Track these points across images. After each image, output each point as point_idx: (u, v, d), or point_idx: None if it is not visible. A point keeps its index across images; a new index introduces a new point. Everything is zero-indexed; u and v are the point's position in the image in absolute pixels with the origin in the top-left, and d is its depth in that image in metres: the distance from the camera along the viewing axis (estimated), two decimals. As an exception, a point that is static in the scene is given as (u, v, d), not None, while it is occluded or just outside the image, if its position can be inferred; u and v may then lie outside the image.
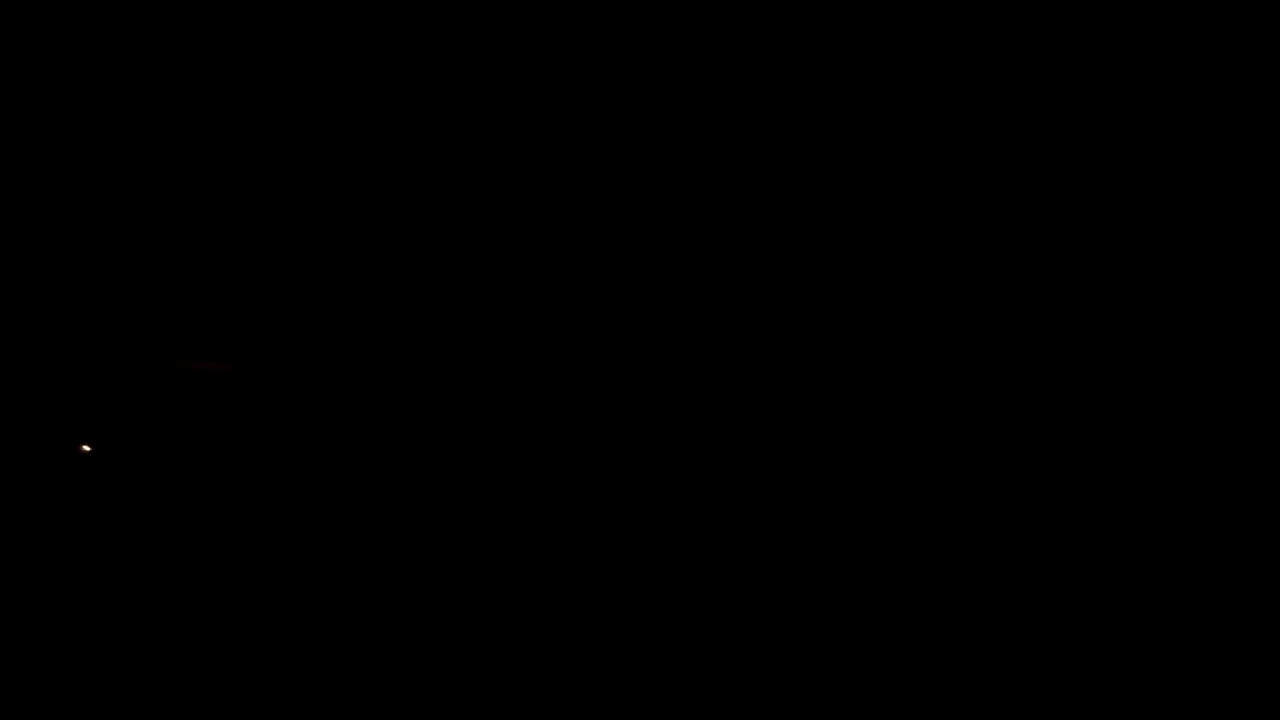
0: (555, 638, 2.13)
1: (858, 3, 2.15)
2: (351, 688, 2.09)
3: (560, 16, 2.20)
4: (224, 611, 2.13)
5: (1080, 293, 2.14)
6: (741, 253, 2.23)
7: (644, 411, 2.23)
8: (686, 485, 2.21)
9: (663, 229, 2.24)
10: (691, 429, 2.22)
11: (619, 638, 2.13)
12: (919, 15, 2.14)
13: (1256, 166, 2.08)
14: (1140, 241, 2.12)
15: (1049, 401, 2.14)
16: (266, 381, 2.23)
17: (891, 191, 2.19)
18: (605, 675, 2.11)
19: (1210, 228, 2.10)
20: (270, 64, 2.23)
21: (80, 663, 2.06)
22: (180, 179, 2.24)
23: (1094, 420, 2.12)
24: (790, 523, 2.18)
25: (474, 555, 2.20)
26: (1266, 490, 2.04)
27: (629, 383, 2.23)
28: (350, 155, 2.28)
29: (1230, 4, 2.05)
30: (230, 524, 2.17)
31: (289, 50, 2.22)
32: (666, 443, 2.22)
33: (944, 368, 2.17)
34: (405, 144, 2.27)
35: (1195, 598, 2.04)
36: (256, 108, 2.24)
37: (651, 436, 2.23)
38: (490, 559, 2.19)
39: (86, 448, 2.08)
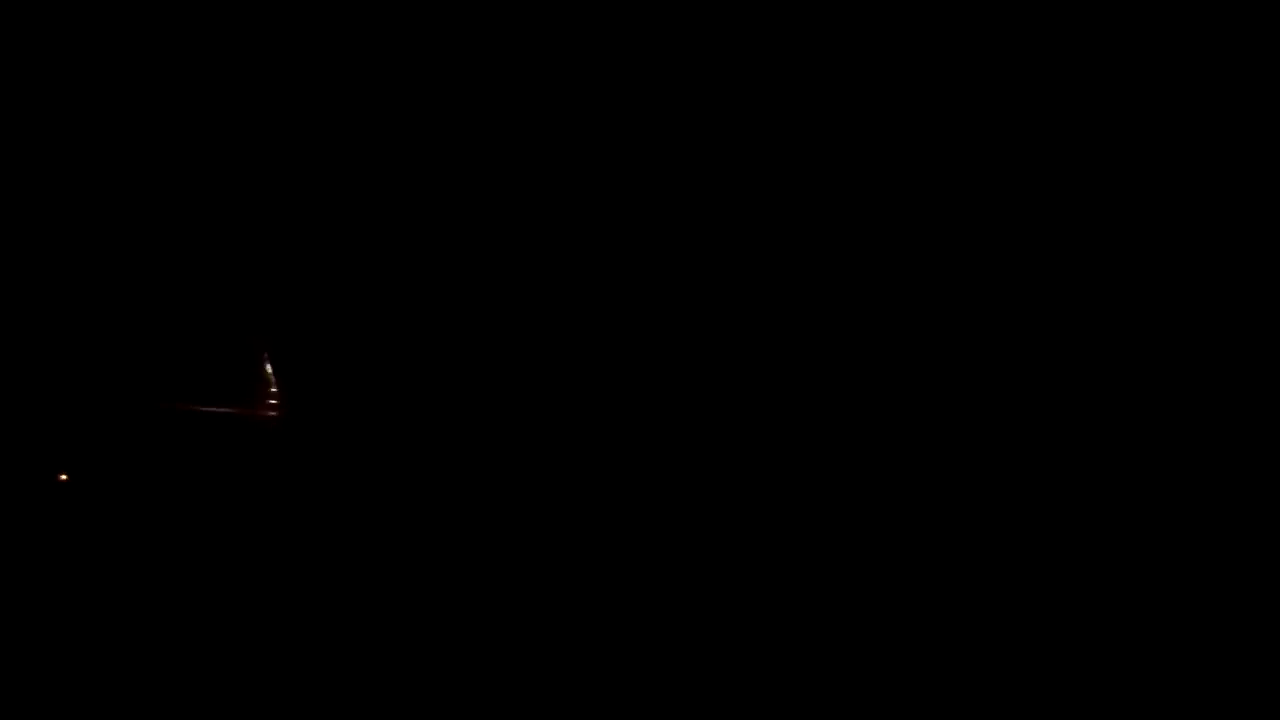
0: (557, 639, 2.15)
1: (858, 3, 2.15)
2: (351, 688, 2.11)
3: (560, 16, 2.20)
4: (216, 625, 2.14)
5: (1080, 292, 2.14)
6: (741, 253, 2.23)
7: (645, 411, 2.23)
8: (686, 485, 2.22)
9: (663, 229, 2.25)
10: (691, 428, 2.23)
11: (620, 637, 2.14)
12: (919, 15, 2.13)
13: (1256, 167, 2.07)
14: (1140, 241, 2.12)
15: (1049, 401, 2.14)
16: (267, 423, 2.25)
17: (891, 191, 2.19)
18: (605, 675, 2.12)
19: (1210, 228, 2.09)
20: (283, 101, 2.24)
21: (69, 689, 2.06)
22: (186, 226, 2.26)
23: (1094, 420, 2.12)
24: (790, 522, 2.19)
25: (473, 556, 2.21)
26: (1266, 490, 2.04)
27: (630, 383, 2.24)
28: (348, 165, 2.28)
29: (1230, 4, 2.04)
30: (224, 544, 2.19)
31: (299, 96, 2.23)
32: (667, 442, 2.23)
33: (944, 367, 2.17)
34: (413, 167, 2.27)
35: (1195, 597, 2.04)
36: (269, 140, 2.26)
37: (652, 436, 2.23)
38: (490, 559, 2.20)
39: (64, 476, 2.10)
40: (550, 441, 2.25)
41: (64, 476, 2.11)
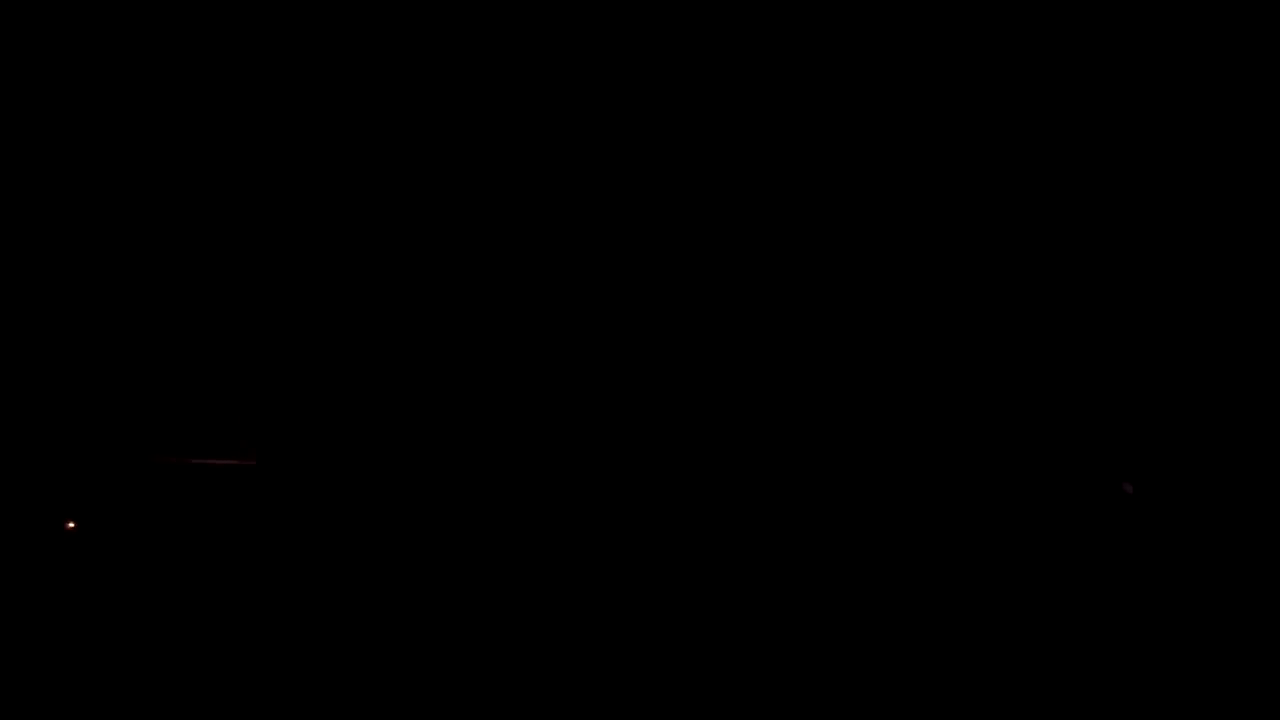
0: (559, 641, 2.14)
1: (858, 3, 2.13)
2: (351, 690, 2.10)
3: (560, 16, 2.16)
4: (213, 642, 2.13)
5: (1079, 292, 2.14)
6: (741, 252, 2.22)
7: (644, 412, 2.23)
8: (686, 484, 2.21)
9: (663, 229, 2.23)
10: (691, 428, 2.22)
11: (619, 638, 2.14)
12: (919, 15, 2.12)
13: (1256, 167, 2.07)
14: (1140, 241, 2.12)
15: (1048, 400, 2.14)
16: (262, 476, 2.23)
17: (891, 191, 2.18)
18: (605, 675, 2.12)
19: (1210, 228, 2.10)
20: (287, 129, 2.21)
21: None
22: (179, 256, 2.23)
23: (1093, 419, 2.13)
24: (789, 521, 2.19)
25: (474, 557, 2.20)
26: (1266, 490, 2.06)
27: (631, 385, 2.23)
28: (344, 168, 2.25)
29: (1230, 4, 2.03)
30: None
31: (305, 122, 2.19)
32: (666, 442, 2.22)
33: (943, 367, 2.17)
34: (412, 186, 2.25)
35: (1195, 597, 2.06)
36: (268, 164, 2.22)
37: (652, 436, 2.22)
38: (489, 561, 2.20)
39: (71, 524, 2.09)
40: (539, 462, 2.23)
41: (71, 525, 2.10)
